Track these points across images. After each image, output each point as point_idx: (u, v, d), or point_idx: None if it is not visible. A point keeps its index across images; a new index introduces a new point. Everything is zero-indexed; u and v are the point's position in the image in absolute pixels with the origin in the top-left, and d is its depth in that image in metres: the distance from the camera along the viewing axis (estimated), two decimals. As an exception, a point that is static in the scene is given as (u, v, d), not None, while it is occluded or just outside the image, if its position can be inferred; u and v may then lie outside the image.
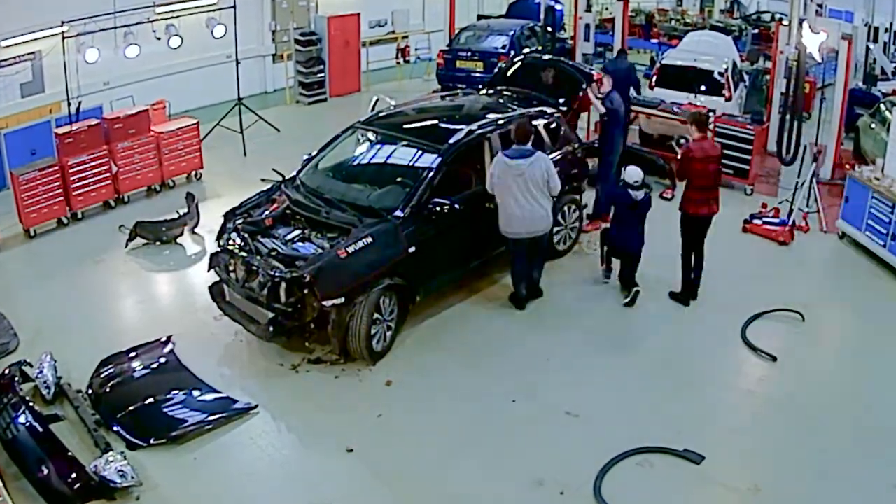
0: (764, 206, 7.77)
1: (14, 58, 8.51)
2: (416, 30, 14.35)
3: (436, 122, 6.44)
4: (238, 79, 9.77)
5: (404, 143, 6.07)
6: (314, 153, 6.36)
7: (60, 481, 4.04)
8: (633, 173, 6.01)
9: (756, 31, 14.69)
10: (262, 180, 5.72)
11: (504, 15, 15.09)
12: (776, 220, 7.44)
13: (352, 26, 12.20)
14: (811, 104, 9.89)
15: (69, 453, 4.20)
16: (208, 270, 5.69)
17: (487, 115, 6.34)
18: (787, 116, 7.41)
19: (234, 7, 9.51)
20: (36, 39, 8.57)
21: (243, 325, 5.33)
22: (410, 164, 5.85)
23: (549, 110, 6.90)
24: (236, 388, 5.10)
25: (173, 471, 4.32)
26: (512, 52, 11.08)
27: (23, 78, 8.62)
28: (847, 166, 7.74)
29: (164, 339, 5.38)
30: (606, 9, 15.56)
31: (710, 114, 7.46)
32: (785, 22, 8.58)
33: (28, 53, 8.61)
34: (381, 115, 6.64)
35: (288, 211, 5.65)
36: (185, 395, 4.89)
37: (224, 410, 4.76)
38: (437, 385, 5.11)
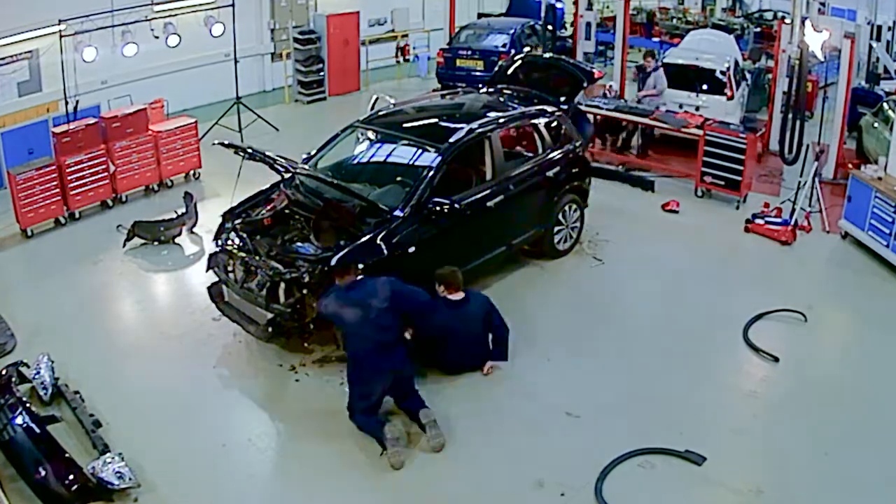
0: (766, 205, 7.73)
1: (11, 56, 8.46)
2: (416, 28, 14.30)
3: (436, 120, 6.41)
4: (236, 77, 9.75)
5: (404, 142, 6.03)
6: (313, 152, 6.33)
7: (58, 483, 4.01)
8: None
9: (758, 29, 14.65)
10: (219, 144, 5.68)
11: (504, 13, 15.05)
12: (778, 220, 7.40)
13: (351, 25, 12.15)
14: (813, 103, 9.84)
15: (66, 455, 4.17)
16: (207, 271, 5.66)
17: (488, 114, 6.30)
18: (790, 115, 7.38)
19: (233, 5, 9.49)
20: (33, 38, 8.52)
21: (242, 326, 5.29)
22: (410, 163, 5.82)
23: (550, 109, 6.87)
24: (235, 390, 5.07)
25: (172, 472, 4.30)
26: (512, 51, 11.03)
27: (20, 77, 8.58)
28: (850, 166, 7.69)
29: None
30: (608, 7, 15.51)
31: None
32: (787, 20, 8.56)
33: (25, 52, 8.56)
34: (380, 113, 6.60)
35: (287, 211, 5.61)
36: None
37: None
38: (437, 386, 5.07)
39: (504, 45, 11.56)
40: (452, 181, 5.72)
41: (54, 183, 7.21)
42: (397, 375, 4.55)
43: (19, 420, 4.35)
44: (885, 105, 8.59)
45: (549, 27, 12.50)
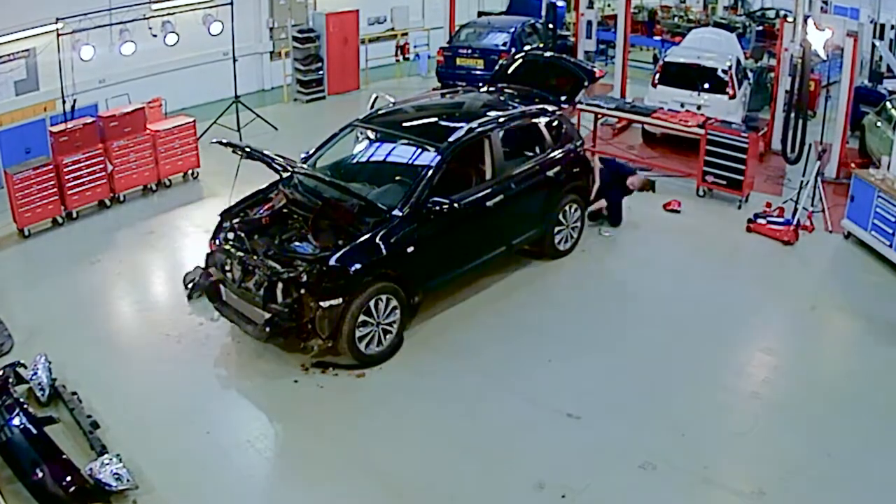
0: (768, 205, 7.69)
1: (8, 55, 8.43)
2: (416, 26, 14.26)
3: (435, 119, 6.38)
4: (235, 76, 9.72)
5: (403, 141, 5.99)
6: (312, 151, 6.30)
7: (55, 484, 3.98)
8: None
9: (760, 27, 14.60)
10: (217, 143, 5.64)
11: (505, 11, 15.00)
12: (781, 220, 7.36)
13: (350, 23, 12.11)
14: (816, 102, 9.81)
15: (64, 456, 4.14)
16: (205, 270, 5.61)
17: (488, 113, 6.26)
18: (792, 114, 7.33)
19: (231, 4, 9.45)
20: (30, 36, 8.48)
21: (240, 326, 5.26)
22: (409, 162, 5.78)
23: (551, 108, 6.82)
24: (232, 390, 5.04)
25: (170, 474, 4.27)
26: (513, 50, 10.99)
27: (17, 75, 8.54)
28: (852, 165, 7.65)
29: None
30: (609, 5, 15.47)
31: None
32: (789, 18, 8.50)
33: (22, 50, 8.52)
34: (380, 112, 6.56)
35: (285, 210, 5.58)
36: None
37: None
38: (437, 387, 5.05)
39: (504, 44, 11.52)
40: (452, 181, 5.68)
41: (52, 182, 7.18)
42: None
43: (16, 421, 4.32)
44: (888, 104, 8.54)
45: (550, 26, 12.45)
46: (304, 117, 11.12)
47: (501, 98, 7.00)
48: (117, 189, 7.84)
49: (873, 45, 11.02)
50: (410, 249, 5.24)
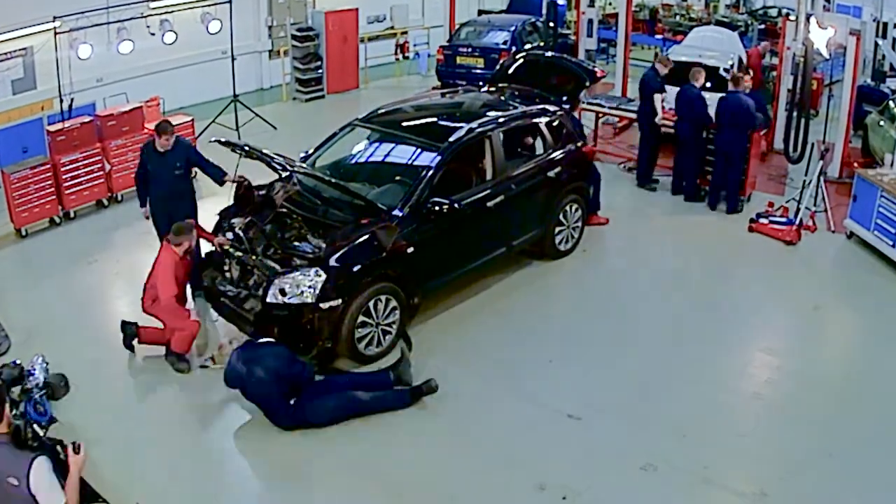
0: (770, 204, 7.65)
1: (5, 53, 8.39)
2: (416, 25, 14.21)
3: (436, 119, 6.34)
4: (234, 75, 9.68)
5: (403, 141, 5.95)
6: (311, 151, 6.26)
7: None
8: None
9: (762, 26, 14.55)
10: (216, 142, 5.59)
11: (505, 10, 14.94)
12: (783, 220, 7.32)
13: (350, 22, 12.06)
14: (818, 101, 9.76)
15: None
16: (203, 270, 5.58)
17: (488, 113, 6.22)
18: (795, 114, 7.30)
19: (230, 2, 9.40)
20: (27, 35, 8.44)
21: (238, 326, 5.23)
22: (409, 162, 5.75)
23: (552, 108, 6.78)
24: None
25: (170, 475, 4.25)
26: (513, 48, 10.94)
27: (14, 74, 8.50)
28: (855, 164, 7.61)
29: None
30: (610, 4, 15.41)
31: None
32: (792, 17, 8.45)
33: (19, 49, 8.48)
34: (380, 112, 6.52)
35: (284, 209, 5.54)
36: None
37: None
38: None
39: (505, 43, 11.46)
40: (452, 181, 5.64)
41: (49, 182, 7.14)
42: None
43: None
44: (891, 103, 8.48)
45: (551, 24, 12.39)
46: (303, 116, 11.08)
47: (502, 98, 6.96)
48: (115, 189, 7.79)
49: (876, 44, 10.96)
50: (410, 250, 5.21)
